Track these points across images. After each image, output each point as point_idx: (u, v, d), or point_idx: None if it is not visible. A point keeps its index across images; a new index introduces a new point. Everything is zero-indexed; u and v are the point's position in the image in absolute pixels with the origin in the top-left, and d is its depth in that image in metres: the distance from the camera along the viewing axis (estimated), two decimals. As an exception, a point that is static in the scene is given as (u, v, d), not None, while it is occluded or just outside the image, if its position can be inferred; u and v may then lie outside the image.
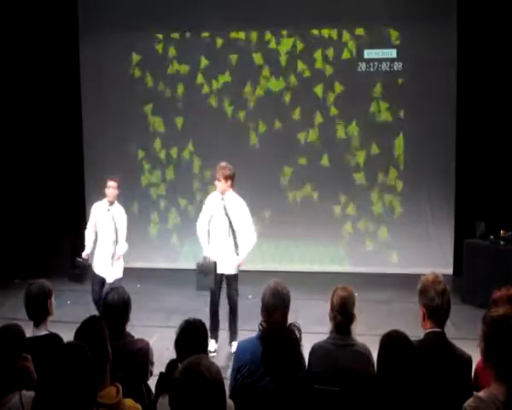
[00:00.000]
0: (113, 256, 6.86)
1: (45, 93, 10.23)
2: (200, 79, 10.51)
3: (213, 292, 6.58)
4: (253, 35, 10.32)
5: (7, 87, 9.97)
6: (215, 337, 6.65)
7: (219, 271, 6.57)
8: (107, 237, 6.88)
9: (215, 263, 6.49)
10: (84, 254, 6.98)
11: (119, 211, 6.94)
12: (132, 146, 10.68)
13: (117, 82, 10.58)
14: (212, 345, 6.39)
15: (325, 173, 10.31)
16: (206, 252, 6.62)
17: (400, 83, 10.06)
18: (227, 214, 6.55)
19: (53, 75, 10.22)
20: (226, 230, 6.58)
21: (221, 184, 6.53)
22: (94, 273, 6.93)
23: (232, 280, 6.67)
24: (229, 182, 6.52)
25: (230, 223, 6.56)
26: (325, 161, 10.32)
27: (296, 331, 3.41)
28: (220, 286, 6.68)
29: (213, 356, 6.25)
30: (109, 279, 6.84)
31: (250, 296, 8.12)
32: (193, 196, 10.50)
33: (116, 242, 6.85)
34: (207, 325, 4.06)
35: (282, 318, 3.60)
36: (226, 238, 6.61)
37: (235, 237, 6.61)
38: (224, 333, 6.88)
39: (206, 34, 10.37)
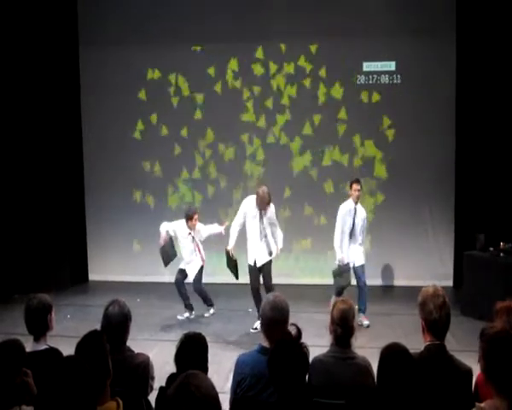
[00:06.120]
0: (190, 262, 8.50)
1: (45, 103, 10.32)
2: (199, 85, 10.62)
3: (253, 280, 7.84)
4: (254, 48, 10.41)
5: (7, 93, 10.03)
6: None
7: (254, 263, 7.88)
8: (188, 253, 8.49)
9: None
10: (161, 240, 8.40)
11: (197, 229, 8.51)
12: (133, 158, 10.74)
13: (117, 90, 10.66)
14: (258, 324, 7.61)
15: (324, 184, 10.37)
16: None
17: (399, 95, 10.11)
18: (262, 219, 7.81)
19: (53, 82, 10.33)
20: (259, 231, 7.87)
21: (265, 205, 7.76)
22: (180, 269, 8.56)
23: (265, 267, 7.89)
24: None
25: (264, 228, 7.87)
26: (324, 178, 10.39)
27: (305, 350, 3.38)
28: (259, 274, 7.91)
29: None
30: (194, 273, 8.46)
31: (250, 310, 8.14)
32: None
33: (196, 253, 8.49)
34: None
35: (286, 331, 3.58)
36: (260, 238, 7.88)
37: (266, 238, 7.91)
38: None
39: (207, 45, 10.49)
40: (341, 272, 7.94)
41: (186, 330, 3.56)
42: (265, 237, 7.87)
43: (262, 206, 7.70)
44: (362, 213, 8.13)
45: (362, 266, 8.08)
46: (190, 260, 8.52)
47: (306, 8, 10.12)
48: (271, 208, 7.89)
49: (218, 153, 10.66)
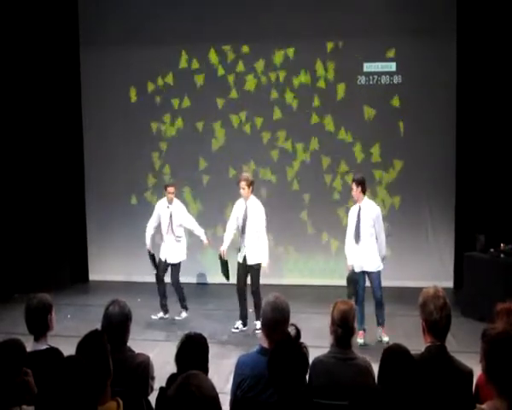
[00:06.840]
0: (174, 241, 8.38)
1: (46, 103, 10.32)
2: (202, 85, 10.61)
3: (238, 279, 7.83)
4: (255, 49, 10.41)
5: (8, 93, 10.02)
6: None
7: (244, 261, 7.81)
8: (166, 227, 8.40)
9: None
10: (148, 247, 8.50)
11: (177, 207, 8.44)
12: (134, 158, 10.74)
13: (117, 90, 10.68)
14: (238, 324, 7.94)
15: (323, 184, 10.37)
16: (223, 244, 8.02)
17: (399, 96, 10.10)
18: (245, 215, 7.77)
19: (54, 82, 10.33)
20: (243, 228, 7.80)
21: (245, 191, 7.72)
22: (159, 259, 8.50)
23: (252, 269, 7.76)
24: (250, 188, 7.76)
25: (245, 223, 7.77)
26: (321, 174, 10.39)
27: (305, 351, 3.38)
28: (246, 275, 7.81)
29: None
30: (173, 260, 8.38)
31: (250, 310, 8.13)
32: (194, 210, 10.50)
33: (172, 230, 8.36)
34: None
35: (286, 332, 3.58)
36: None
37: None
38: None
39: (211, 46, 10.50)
40: (349, 280, 7.31)
41: (187, 331, 3.56)
42: (245, 232, 7.76)
43: (239, 182, 7.77)
44: (370, 211, 7.30)
45: (373, 273, 7.27)
46: (169, 241, 8.38)
47: (306, 8, 10.11)
48: (257, 203, 7.81)
49: (220, 154, 10.64)
